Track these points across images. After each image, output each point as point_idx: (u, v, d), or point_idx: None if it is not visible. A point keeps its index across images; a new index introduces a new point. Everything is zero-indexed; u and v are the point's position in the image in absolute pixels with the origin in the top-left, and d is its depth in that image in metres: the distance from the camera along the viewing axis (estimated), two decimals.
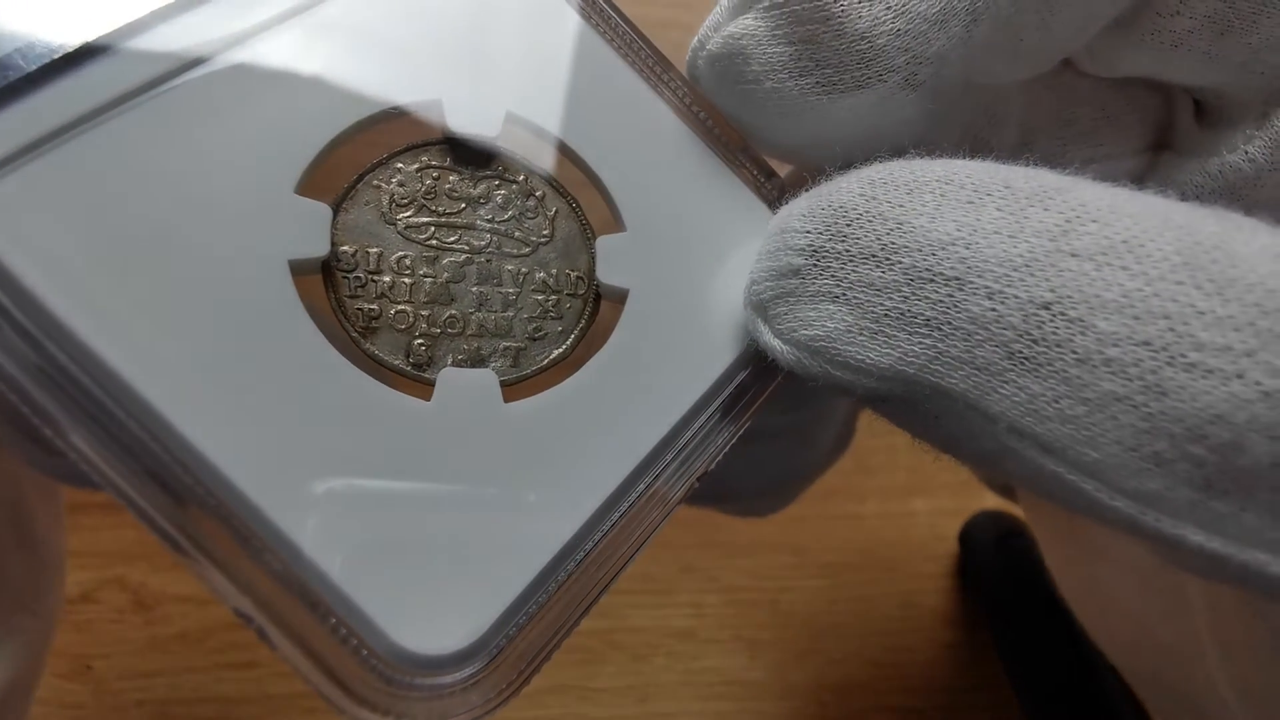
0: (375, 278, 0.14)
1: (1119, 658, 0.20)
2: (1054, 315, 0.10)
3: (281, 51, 0.13)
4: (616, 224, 0.15)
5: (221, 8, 0.13)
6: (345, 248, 0.14)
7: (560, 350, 0.14)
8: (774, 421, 0.17)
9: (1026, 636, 0.30)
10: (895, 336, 0.11)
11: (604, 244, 0.15)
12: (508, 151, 0.15)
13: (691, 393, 0.14)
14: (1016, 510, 0.33)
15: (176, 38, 0.13)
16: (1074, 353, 0.10)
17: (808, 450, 0.21)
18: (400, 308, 0.14)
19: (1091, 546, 0.19)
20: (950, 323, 0.11)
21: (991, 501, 0.33)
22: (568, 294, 0.15)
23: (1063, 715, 0.28)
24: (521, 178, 0.15)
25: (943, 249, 0.11)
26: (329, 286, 0.13)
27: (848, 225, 0.12)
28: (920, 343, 0.11)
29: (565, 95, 0.15)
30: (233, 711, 0.30)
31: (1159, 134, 0.16)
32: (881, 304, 0.12)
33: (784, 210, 0.14)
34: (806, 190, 0.13)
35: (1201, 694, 0.17)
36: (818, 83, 0.13)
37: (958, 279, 0.11)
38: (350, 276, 0.14)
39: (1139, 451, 0.10)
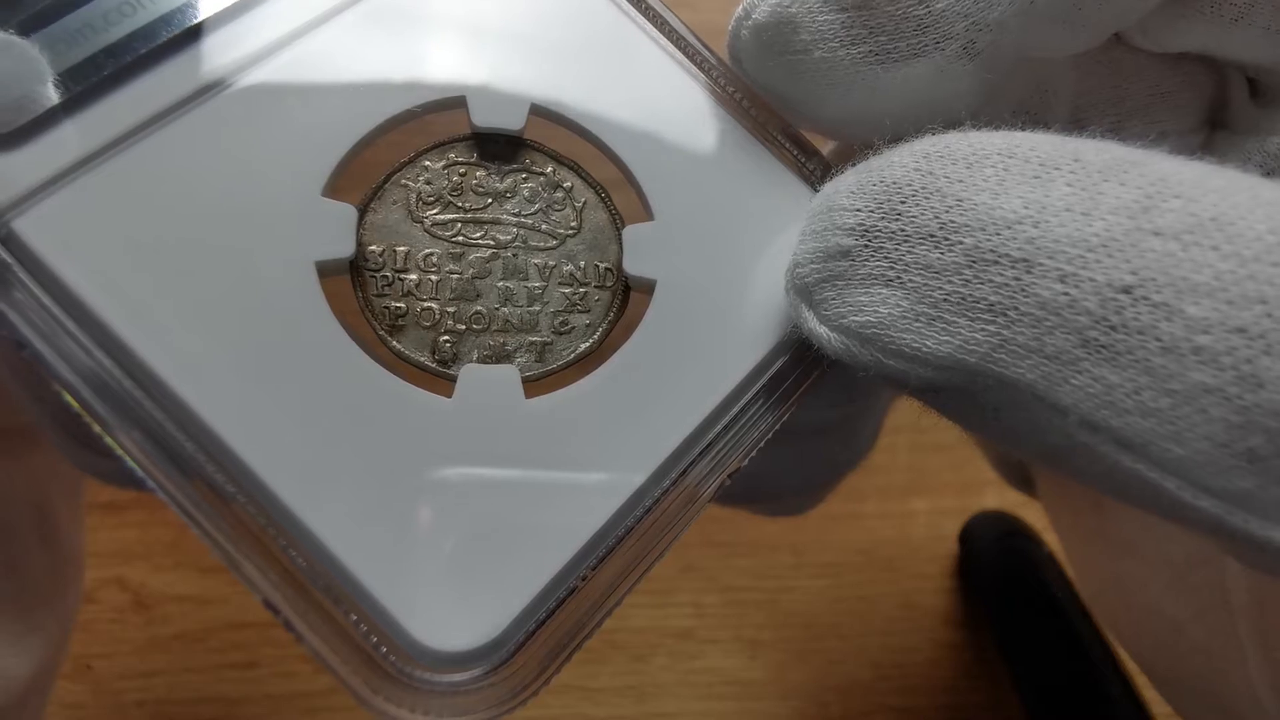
0: (402, 276, 0.14)
1: (1142, 657, 0.20)
2: (1136, 300, 0.09)
3: (308, 59, 0.14)
4: (646, 213, 0.14)
5: (250, 22, 0.13)
6: (373, 247, 0.14)
7: (588, 344, 0.14)
8: (818, 416, 0.17)
9: (1026, 636, 0.30)
10: (955, 323, 0.11)
11: (631, 234, 0.14)
12: (535, 144, 0.15)
13: (722, 387, 0.14)
14: (1017, 510, 0.33)
15: (211, 53, 0.13)
16: (1158, 340, 0.09)
17: (850, 447, 0.19)
18: (426, 305, 0.14)
19: (1119, 543, 0.19)
20: (1017, 308, 0.10)
21: (992, 501, 0.33)
22: (596, 286, 0.14)
23: (1063, 715, 0.28)
24: (549, 170, 0.15)
25: (1008, 228, 0.10)
26: (356, 286, 0.14)
27: (902, 203, 0.11)
28: (983, 330, 0.10)
29: (592, 82, 0.15)
30: (233, 711, 0.30)
31: (1212, 112, 0.15)
32: (940, 288, 0.11)
33: (829, 187, 0.13)
34: (854, 165, 0.13)
35: (1235, 696, 0.16)
36: (870, 51, 0.13)
37: (1026, 261, 0.10)
38: (377, 275, 0.14)
39: (1230, 448, 0.09)
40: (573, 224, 0.14)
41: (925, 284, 0.11)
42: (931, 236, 0.11)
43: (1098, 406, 0.10)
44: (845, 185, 0.12)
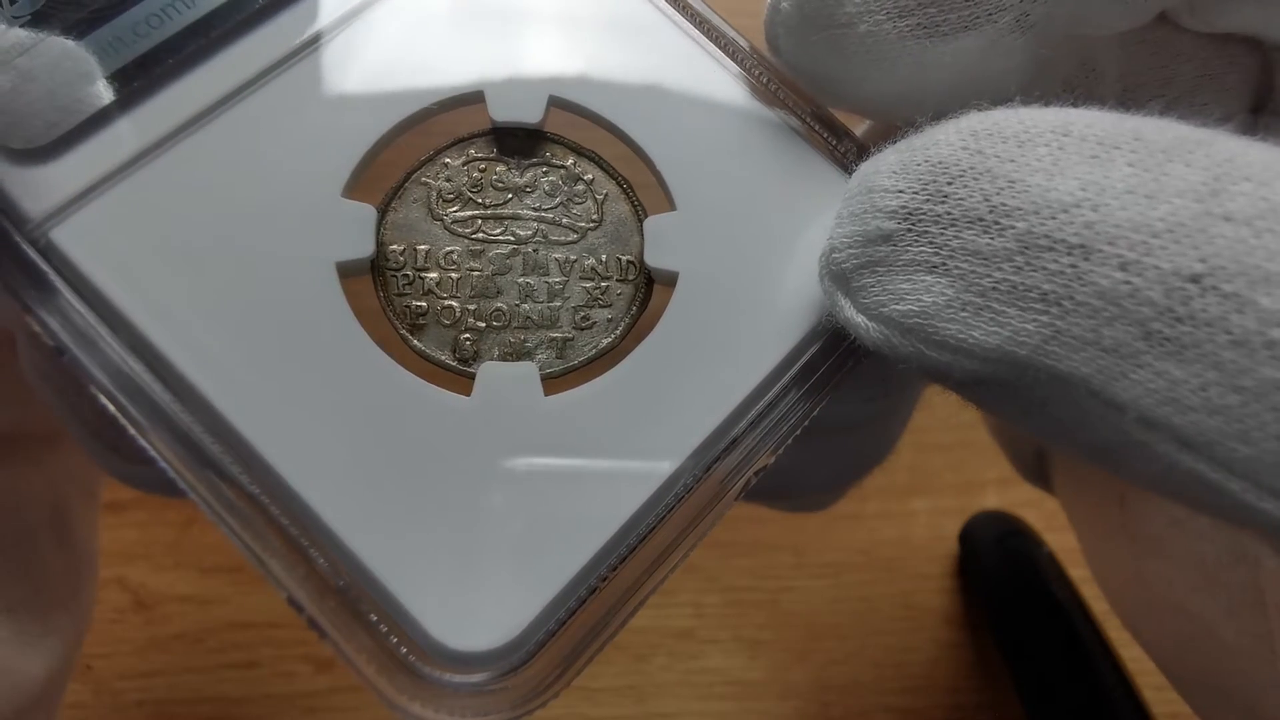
0: (423, 274, 0.14)
1: (1162, 656, 0.19)
2: (1204, 290, 0.09)
3: (329, 62, 0.14)
4: (669, 203, 0.14)
5: (278, 24, 0.14)
6: (394, 246, 0.14)
7: (610, 339, 0.14)
8: (852, 411, 0.16)
9: (1027, 636, 0.30)
10: (1005, 313, 0.10)
11: (652, 225, 0.14)
12: (555, 136, 0.15)
13: (749, 380, 0.13)
14: (1017, 510, 0.33)
15: (237, 59, 0.13)
16: (1228, 333, 0.09)
17: (880, 443, 0.19)
18: (447, 303, 0.14)
19: (1145, 540, 0.18)
20: (1073, 297, 0.09)
21: (992, 501, 0.33)
22: (618, 280, 0.14)
23: (1063, 715, 0.28)
24: (570, 162, 0.14)
25: (1064, 212, 0.09)
26: (378, 285, 0.14)
27: (949, 184, 0.11)
28: (1034, 320, 0.10)
29: (611, 70, 0.14)
30: (233, 711, 0.30)
31: (1258, 96, 0.15)
32: (989, 275, 0.10)
33: (869, 166, 0.12)
34: (894, 143, 0.12)
35: (1263, 696, 0.16)
36: (919, 24, 0.12)
37: (1083, 247, 0.09)
38: (398, 274, 0.14)
39: None
40: (594, 217, 0.14)
41: (973, 271, 0.10)
42: (980, 220, 0.10)
43: (1159, 403, 0.09)
44: (886, 165, 0.11)
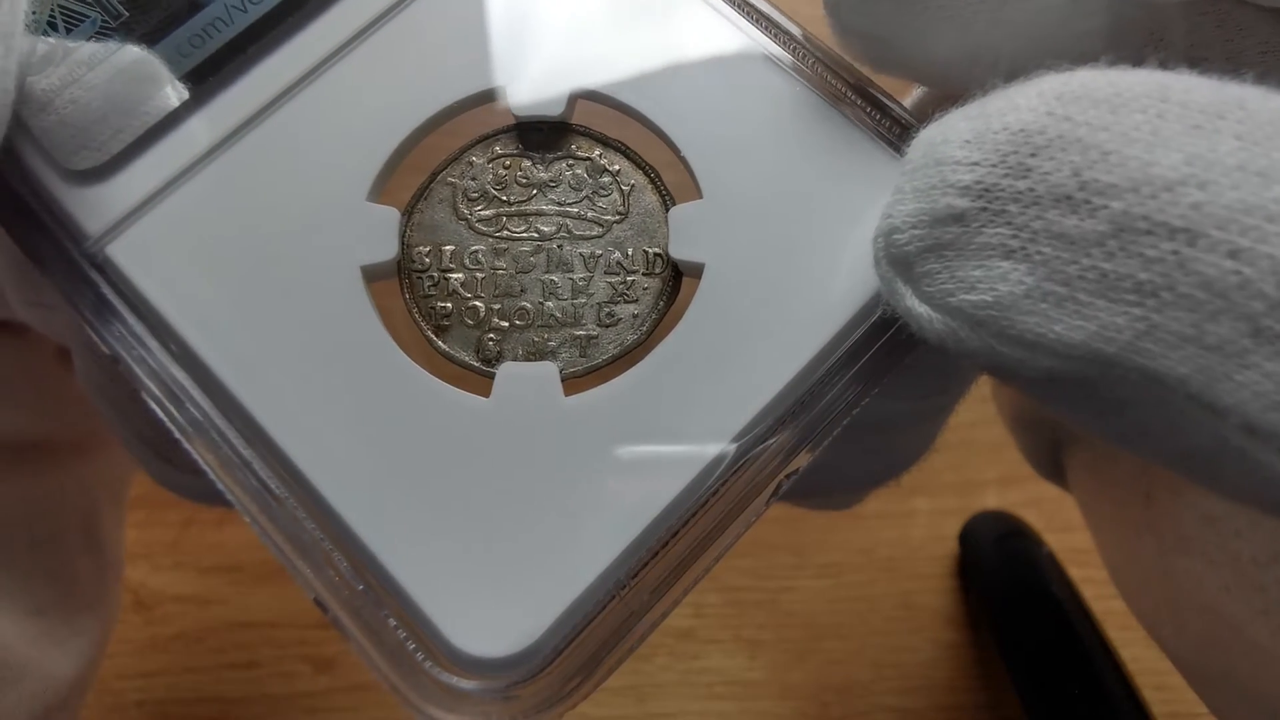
0: (448, 275, 0.14)
1: (1181, 654, 0.19)
2: None
3: (352, 70, 0.14)
4: (697, 190, 0.13)
5: (314, 30, 0.14)
6: (420, 248, 0.14)
7: (635, 337, 0.13)
8: (903, 408, 0.15)
9: (1026, 636, 0.30)
10: (1092, 305, 0.09)
11: (677, 214, 0.13)
12: (580, 128, 0.14)
13: (778, 378, 0.12)
14: (1017, 510, 0.33)
15: (277, 66, 0.14)
16: None
17: (924, 440, 0.17)
18: (472, 303, 0.14)
19: (1174, 538, 0.18)
20: (1173, 288, 0.08)
21: (992, 501, 0.33)
22: (644, 274, 0.13)
23: (1063, 715, 0.28)
24: (596, 154, 0.14)
25: (1167, 191, 0.08)
26: (404, 287, 0.14)
27: (1032, 155, 0.09)
28: (1127, 314, 0.09)
29: (633, 53, 0.14)
30: (233, 711, 0.30)
31: None
32: (1076, 262, 0.09)
33: (934, 134, 0.11)
34: (962, 109, 0.11)
35: None
36: None
37: (1187, 231, 0.08)
38: (424, 276, 0.14)
39: None
40: (619, 209, 0.14)
41: (1057, 257, 0.09)
42: (1069, 199, 0.09)
43: (1266, 408, 0.08)
44: (958, 133, 0.10)
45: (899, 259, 0.11)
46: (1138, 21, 0.12)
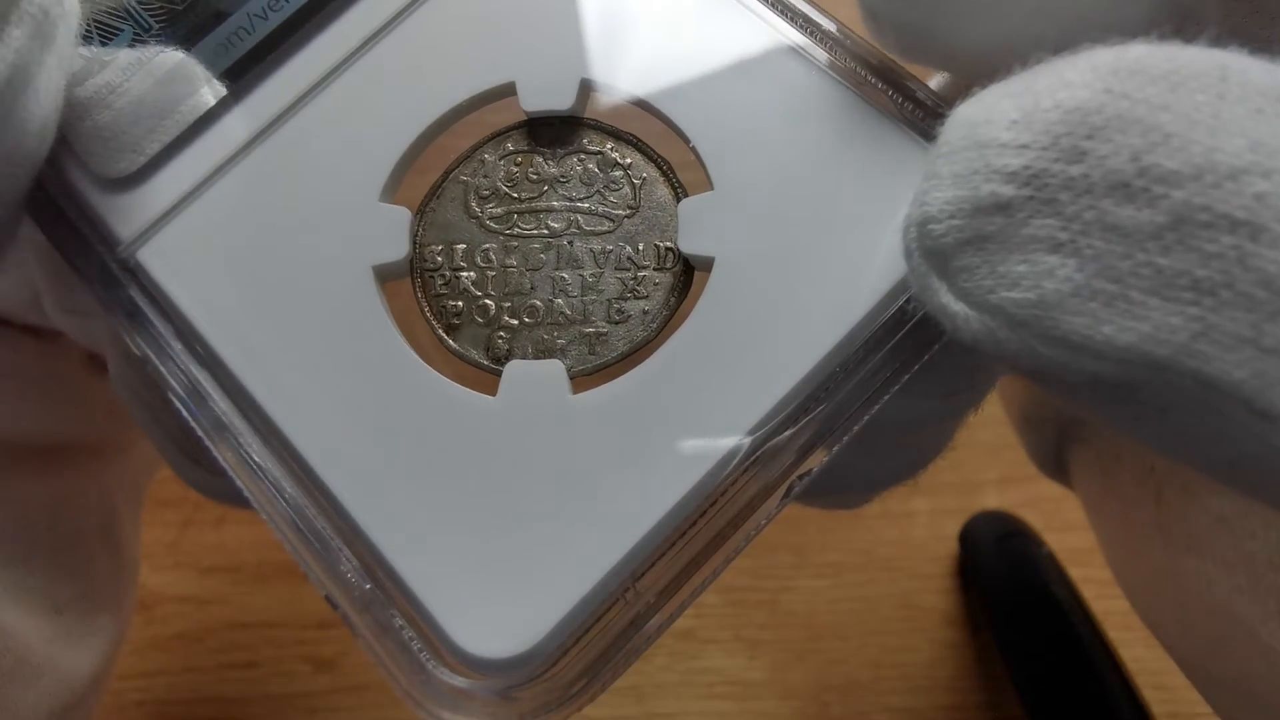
0: (459, 274, 0.14)
1: (1187, 656, 0.18)
2: None
3: (364, 72, 0.14)
4: (709, 182, 0.13)
5: (333, 32, 0.14)
6: (432, 247, 0.14)
7: (645, 333, 0.13)
8: (925, 407, 0.14)
9: (1026, 636, 0.30)
10: (1145, 304, 0.08)
11: (686, 207, 0.13)
12: (591, 121, 0.14)
13: (790, 375, 0.12)
14: (1017, 510, 0.33)
15: (299, 68, 0.14)
16: None
17: (942, 440, 0.16)
18: (483, 301, 0.14)
19: (1184, 539, 0.17)
20: (1231, 286, 0.08)
21: (992, 501, 0.33)
22: (654, 269, 0.13)
23: (1063, 715, 0.28)
24: (608, 147, 0.14)
25: (1231, 179, 0.08)
26: (416, 286, 0.14)
27: (1087, 138, 0.08)
28: (1182, 313, 0.08)
29: (642, 43, 0.14)
30: (233, 711, 0.30)
31: None
32: (1131, 257, 0.08)
33: (974, 113, 0.10)
34: (1003, 84, 0.10)
35: None
36: None
37: (1250, 224, 0.08)
38: (436, 275, 0.14)
39: None
40: (630, 203, 0.14)
41: (1110, 250, 0.08)
42: (1125, 186, 0.08)
43: None
44: (1002, 112, 0.09)
45: (934, 251, 0.10)
46: (1176, 5, 0.11)
